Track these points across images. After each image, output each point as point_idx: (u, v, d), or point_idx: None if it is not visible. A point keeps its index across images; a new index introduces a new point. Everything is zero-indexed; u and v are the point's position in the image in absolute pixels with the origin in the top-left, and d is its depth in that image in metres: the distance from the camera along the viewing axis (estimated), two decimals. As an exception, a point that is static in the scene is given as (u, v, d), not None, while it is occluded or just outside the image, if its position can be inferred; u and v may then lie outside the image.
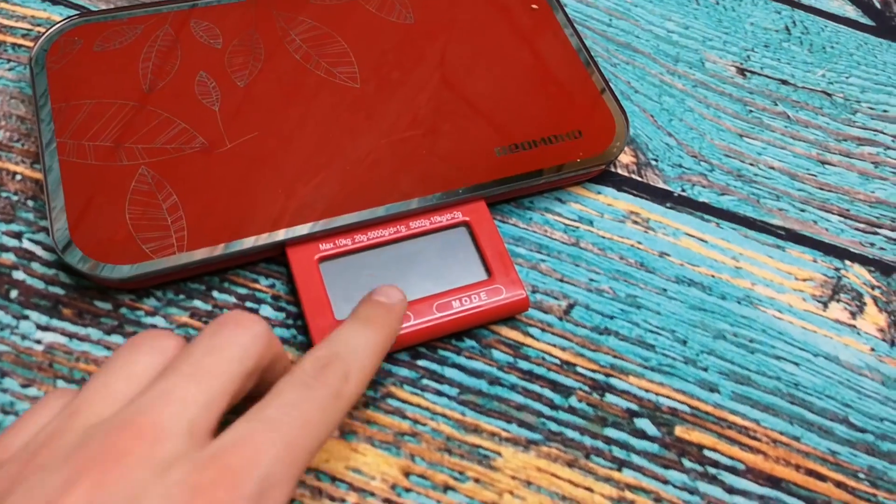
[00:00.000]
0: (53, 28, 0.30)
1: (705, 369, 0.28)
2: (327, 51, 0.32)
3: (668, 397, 0.27)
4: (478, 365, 0.27)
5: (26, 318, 0.26)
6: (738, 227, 0.32)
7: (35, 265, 0.27)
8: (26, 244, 0.27)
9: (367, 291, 0.27)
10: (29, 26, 0.33)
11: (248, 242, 0.26)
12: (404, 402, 0.26)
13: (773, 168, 0.34)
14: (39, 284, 0.27)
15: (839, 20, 0.40)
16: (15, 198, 0.28)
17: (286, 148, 0.29)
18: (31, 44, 0.32)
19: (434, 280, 0.27)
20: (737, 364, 0.28)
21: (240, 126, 0.29)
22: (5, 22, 0.33)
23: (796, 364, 0.29)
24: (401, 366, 0.27)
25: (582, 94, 0.33)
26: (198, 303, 0.27)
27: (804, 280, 0.31)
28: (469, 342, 0.28)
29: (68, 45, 0.30)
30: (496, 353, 0.27)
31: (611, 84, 0.33)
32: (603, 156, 0.31)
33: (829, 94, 0.37)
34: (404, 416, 0.26)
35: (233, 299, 0.27)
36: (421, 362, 0.27)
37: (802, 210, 0.33)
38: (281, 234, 0.27)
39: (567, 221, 0.31)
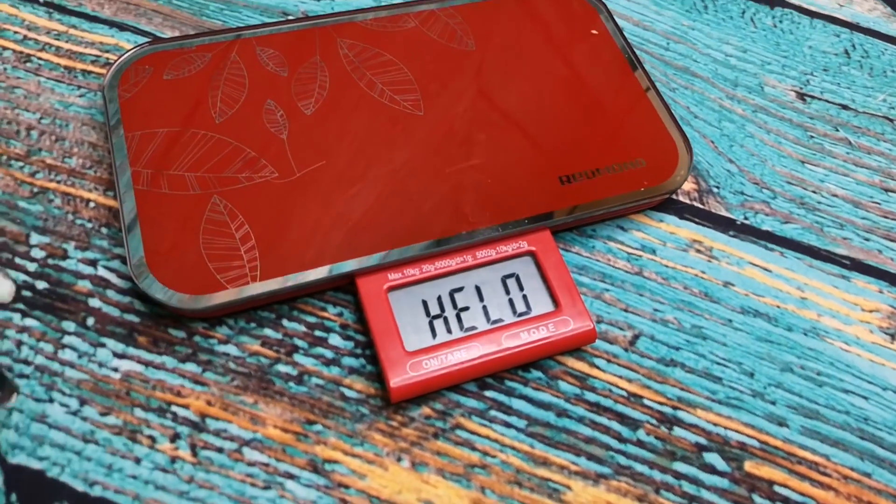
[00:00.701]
0: (125, 56, 0.31)
1: (773, 403, 0.28)
2: (390, 77, 0.32)
3: (736, 431, 0.27)
4: (545, 396, 0.27)
5: (103, 345, 0.26)
6: (802, 257, 0.32)
7: (110, 293, 0.27)
8: (101, 272, 0.28)
9: (434, 321, 0.27)
10: (98, 52, 0.33)
11: (320, 273, 0.27)
12: (473, 433, 0.26)
13: (835, 196, 0.34)
14: (115, 312, 0.27)
15: (899, 43, 0.39)
16: (89, 225, 0.29)
17: (354, 177, 0.29)
18: (100, 70, 0.33)
19: (501, 310, 0.28)
20: (805, 398, 0.28)
21: (307, 155, 0.29)
22: (75, 48, 0.33)
23: (865, 398, 0.28)
24: (469, 397, 0.27)
25: (643, 122, 0.32)
26: (268, 331, 0.27)
27: (871, 311, 0.31)
28: (535, 373, 0.28)
29: (139, 72, 0.31)
30: (563, 385, 0.28)
31: (671, 110, 0.33)
32: (667, 184, 0.31)
33: (890, 120, 0.36)
34: (474, 448, 0.26)
35: (302, 328, 0.28)
36: (489, 393, 0.27)
37: (867, 239, 0.32)
38: (351, 265, 0.27)
39: (630, 250, 0.31)
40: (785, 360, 0.29)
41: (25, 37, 0.33)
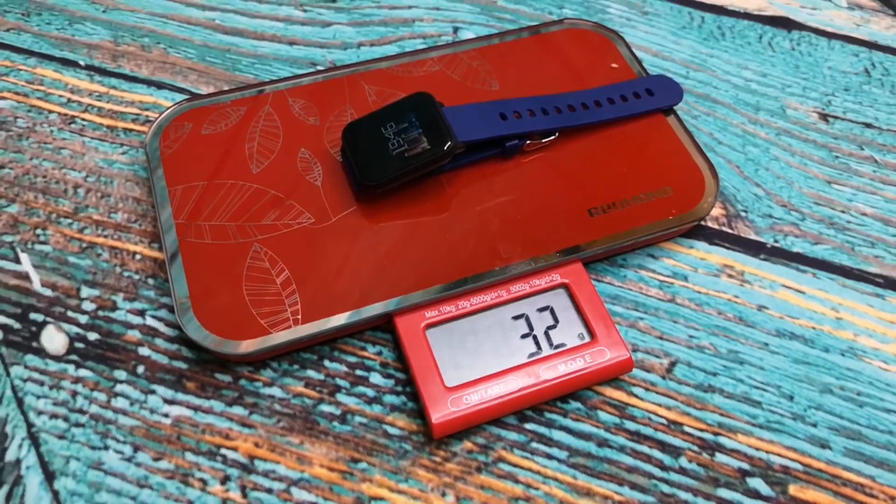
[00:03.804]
0: (164, 113, 0.32)
1: (814, 425, 0.28)
2: (418, 121, 0.33)
3: (779, 455, 0.27)
4: (585, 427, 0.27)
5: (153, 392, 0.27)
6: (835, 277, 0.32)
7: (159, 341, 0.28)
8: (149, 321, 0.29)
9: (473, 357, 0.27)
10: (138, 111, 0.35)
11: (360, 314, 0.27)
12: (515, 466, 0.27)
13: (865, 214, 0.34)
14: (163, 359, 0.28)
15: (920, 59, 0.40)
16: (136, 276, 0.30)
17: (387, 219, 0.30)
18: (141, 128, 0.34)
19: (537, 343, 0.28)
20: (846, 419, 0.28)
21: (342, 200, 0.30)
22: (116, 108, 0.35)
23: (908, 417, 0.28)
24: (510, 430, 0.27)
25: (668, 151, 0.33)
26: (311, 372, 0.28)
27: (908, 329, 0.30)
28: (574, 404, 0.28)
29: (179, 128, 0.32)
30: (602, 415, 0.28)
31: (695, 138, 0.33)
32: (695, 212, 0.31)
33: (916, 136, 0.37)
34: (517, 481, 0.26)
35: (343, 368, 0.28)
36: (529, 426, 0.27)
37: (900, 256, 0.32)
38: (389, 304, 0.28)
39: (661, 278, 0.31)
40: (824, 382, 0.29)
41: (69, 99, 0.35)
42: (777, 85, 0.38)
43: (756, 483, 0.27)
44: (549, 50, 0.36)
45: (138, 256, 0.30)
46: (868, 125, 0.37)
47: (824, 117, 0.37)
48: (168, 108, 0.33)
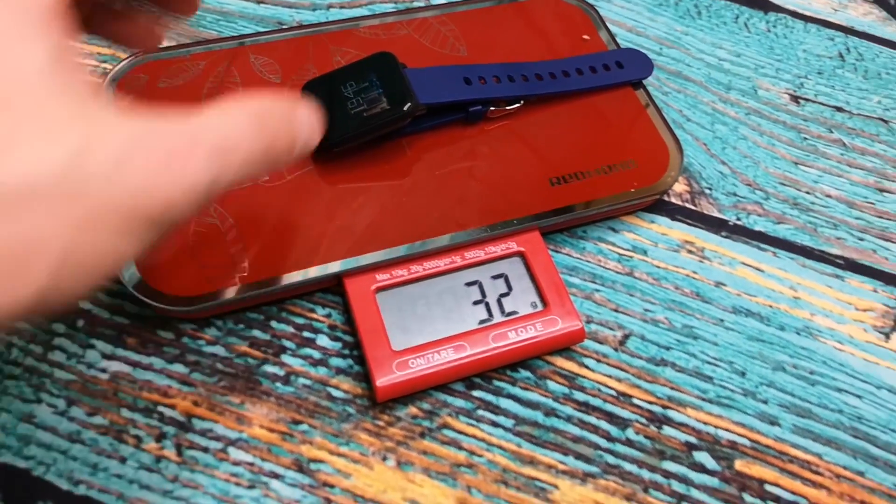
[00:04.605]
0: (120, 65, 0.31)
1: (765, 402, 0.28)
2: (381, 83, 0.32)
3: (727, 430, 0.27)
4: (533, 396, 0.27)
5: (92, 346, 0.27)
6: (795, 257, 0.31)
7: (100, 295, 0.28)
8: (93, 274, 0.28)
9: (422, 321, 0.27)
10: (95, 63, 0.34)
11: (308, 273, 0.27)
12: (460, 432, 0.26)
13: (829, 196, 0.33)
14: (104, 314, 0.27)
15: (894, 46, 0.39)
16: (82, 229, 0.29)
17: (342, 180, 0.29)
18: (98, 80, 0.33)
19: (488, 310, 0.28)
20: (797, 396, 0.28)
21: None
22: (73, 59, 0.34)
23: (859, 397, 0.28)
24: (456, 396, 0.27)
25: (634, 124, 0.33)
26: (257, 332, 0.27)
27: (864, 310, 0.30)
28: (524, 373, 0.28)
29: (134, 81, 0.31)
30: (551, 384, 0.27)
31: (663, 113, 0.33)
32: (657, 185, 0.31)
33: (885, 121, 0.36)
34: (460, 447, 0.26)
35: (290, 329, 0.28)
36: (476, 393, 0.27)
37: (861, 239, 0.32)
38: (339, 265, 0.27)
39: (621, 251, 0.31)
40: (777, 359, 0.29)
41: (25, 49, 0.34)
42: (750, 65, 0.38)
43: (702, 457, 0.26)
44: (521, 18, 0.36)
45: (85, 209, 0.30)
46: (839, 109, 0.37)
47: (795, 99, 0.37)
48: (124, 59, 0.32)
